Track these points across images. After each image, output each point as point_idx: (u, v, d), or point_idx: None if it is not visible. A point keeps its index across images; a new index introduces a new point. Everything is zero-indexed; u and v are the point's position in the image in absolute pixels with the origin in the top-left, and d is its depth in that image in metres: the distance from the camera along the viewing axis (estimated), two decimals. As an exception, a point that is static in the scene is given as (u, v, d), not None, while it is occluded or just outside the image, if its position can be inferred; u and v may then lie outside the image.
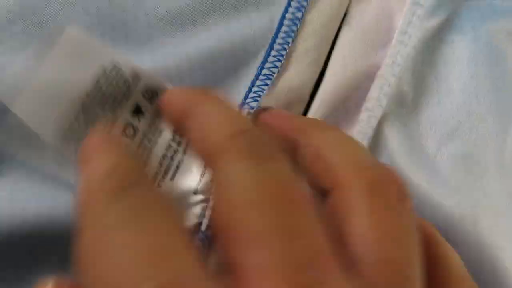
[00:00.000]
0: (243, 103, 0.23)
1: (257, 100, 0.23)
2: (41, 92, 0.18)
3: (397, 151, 0.23)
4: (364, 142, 0.23)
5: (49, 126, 0.18)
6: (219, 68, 0.23)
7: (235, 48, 0.23)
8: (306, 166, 0.16)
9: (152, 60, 0.22)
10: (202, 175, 0.21)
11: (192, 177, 0.21)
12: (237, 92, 0.23)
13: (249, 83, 0.24)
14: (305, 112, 0.24)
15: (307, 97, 0.25)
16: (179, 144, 0.21)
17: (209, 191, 0.21)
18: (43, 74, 0.18)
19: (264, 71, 0.24)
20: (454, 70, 0.25)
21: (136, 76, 0.20)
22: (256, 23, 0.23)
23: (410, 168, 0.23)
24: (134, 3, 0.22)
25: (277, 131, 0.17)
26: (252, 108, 0.23)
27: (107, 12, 0.21)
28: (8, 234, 0.18)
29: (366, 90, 0.24)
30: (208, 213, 0.21)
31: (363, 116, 0.23)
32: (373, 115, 0.23)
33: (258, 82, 0.24)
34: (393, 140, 0.23)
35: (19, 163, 0.20)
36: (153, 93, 0.20)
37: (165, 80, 0.21)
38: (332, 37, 0.25)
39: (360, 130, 0.23)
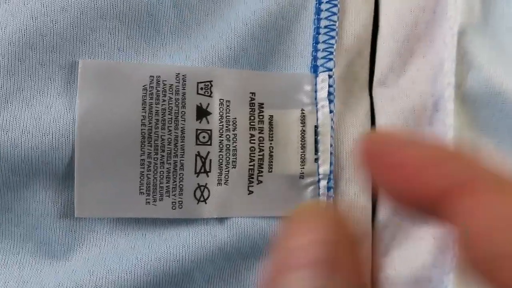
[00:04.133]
0: (315, 67, 0.21)
1: (331, 59, 0.21)
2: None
3: (487, 63, 0.21)
4: (453, 64, 0.20)
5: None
6: (270, 33, 0.21)
7: (281, 5, 0.21)
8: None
9: (196, 46, 0.21)
10: (302, 160, 0.20)
11: (291, 164, 0.20)
12: (300, 55, 0.21)
13: (310, 41, 0.21)
14: (372, 52, 0.22)
15: (370, 36, 0.22)
16: (260, 131, 0.20)
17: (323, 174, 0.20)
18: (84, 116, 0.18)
19: (323, 22, 0.21)
20: None
21: (182, 77, 0.20)
22: None
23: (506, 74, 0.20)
24: None
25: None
26: (330, 69, 0.21)
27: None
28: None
29: (431, 10, 0.21)
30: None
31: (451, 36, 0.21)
32: (454, 33, 0.21)
33: (321, 37, 0.21)
34: (478, 53, 0.21)
35: None
36: (207, 85, 0.20)
37: (212, 65, 0.20)
38: None
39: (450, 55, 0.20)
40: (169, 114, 0.20)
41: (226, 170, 0.20)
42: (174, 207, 0.20)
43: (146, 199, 0.20)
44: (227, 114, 0.20)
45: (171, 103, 0.20)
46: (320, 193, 0.21)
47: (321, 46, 0.21)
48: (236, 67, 0.21)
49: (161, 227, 0.20)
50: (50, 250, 0.20)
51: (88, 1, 0.19)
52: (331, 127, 0.21)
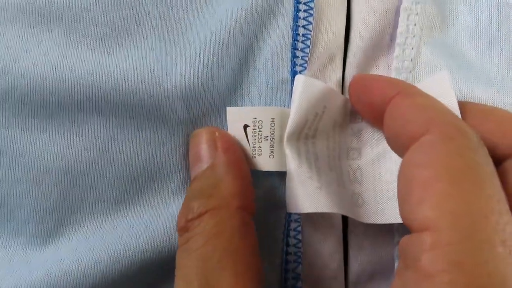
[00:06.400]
0: (294, 72, 0.22)
1: (305, 67, 0.22)
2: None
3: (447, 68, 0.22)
4: (404, 76, 0.22)
5: None
6: (249, 36, 0.22)
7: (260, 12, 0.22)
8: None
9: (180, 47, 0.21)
10: None
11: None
12: (281, 58, 0.22)
13: (289, 47, 0.22)
14: (344, 59, 0.23)
15: (342, 43, 0.23)
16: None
17: None
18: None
19: (300, 30, 0.22)
20: None
21: None
22: None
23: (472, 86, 0.22)
24: None
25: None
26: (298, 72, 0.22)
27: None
28: None
29: (393, 26, 0.23)
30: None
31: (397, 52, 0.23)
32: (406, 48, 0.23)
33: (299, 45, 0.22)
34: (440, 63, 0.23)
35: None
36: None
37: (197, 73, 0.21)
38: None
39: (397, 66, 0.22)
40: None
41: None
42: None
43: None
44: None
45: None
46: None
47: (299, 54, 0.22)
48: (220, 72, 0.21)
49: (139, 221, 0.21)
50: (40, 242, 0.21)
51: None
52: None
